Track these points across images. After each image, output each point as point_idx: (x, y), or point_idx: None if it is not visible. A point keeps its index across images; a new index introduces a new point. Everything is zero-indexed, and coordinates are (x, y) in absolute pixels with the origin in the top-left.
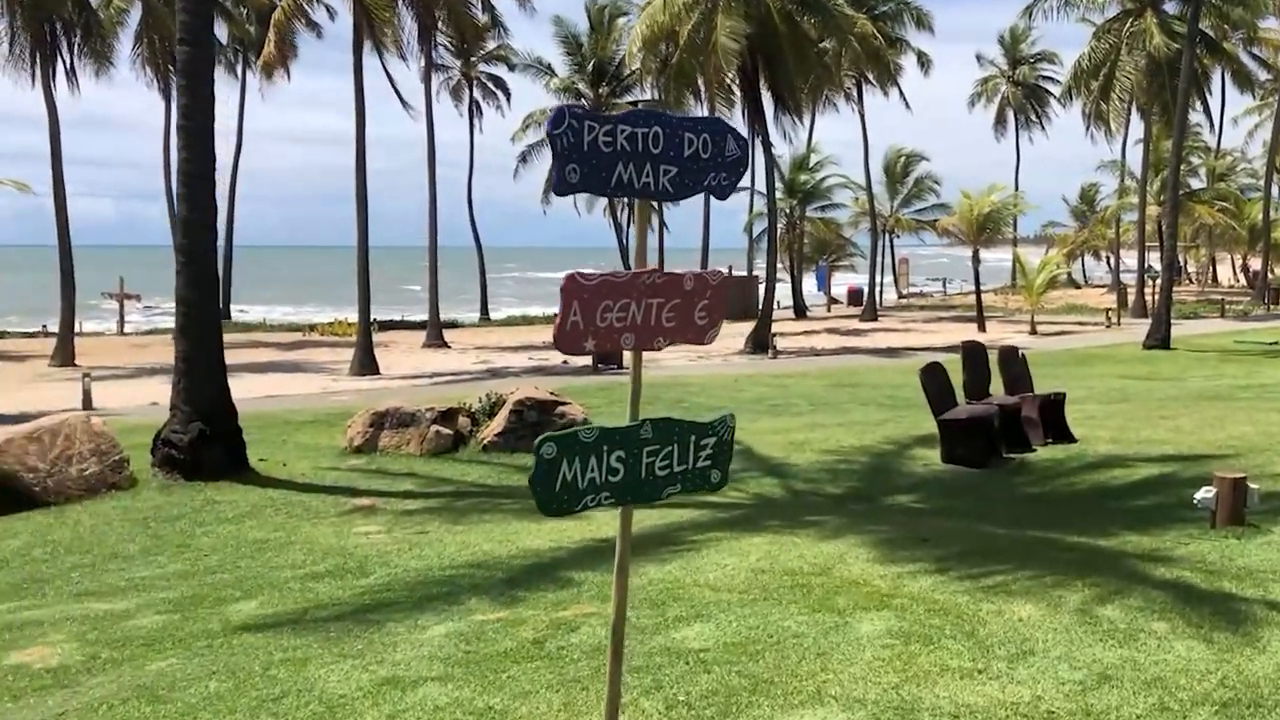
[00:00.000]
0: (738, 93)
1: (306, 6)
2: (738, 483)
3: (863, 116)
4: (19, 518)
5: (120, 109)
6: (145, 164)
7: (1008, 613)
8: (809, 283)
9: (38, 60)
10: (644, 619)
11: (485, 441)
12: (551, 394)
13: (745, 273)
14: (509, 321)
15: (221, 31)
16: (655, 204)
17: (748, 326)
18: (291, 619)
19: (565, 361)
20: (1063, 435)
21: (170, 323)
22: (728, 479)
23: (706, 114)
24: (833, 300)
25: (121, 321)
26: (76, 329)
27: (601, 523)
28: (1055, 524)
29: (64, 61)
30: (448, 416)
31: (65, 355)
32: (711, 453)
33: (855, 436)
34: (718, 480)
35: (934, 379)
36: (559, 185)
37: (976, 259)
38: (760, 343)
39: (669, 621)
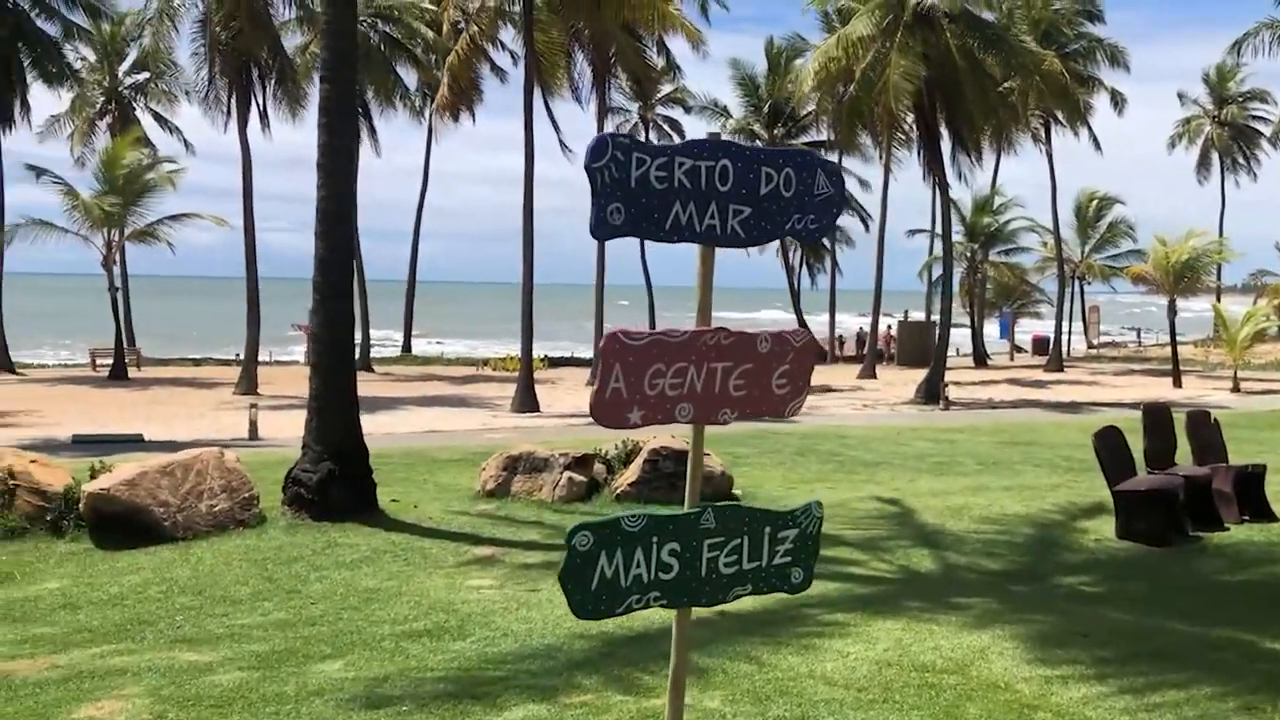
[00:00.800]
0: (913, 132)
1: (487, 49)
2: (884, 552)
3: (1050, 157)
4: (146, 552)
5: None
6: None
7: None
8: (991, 329)
9: (234, 102)
10: (740, 714)
11: (618, 491)
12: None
13: (923, 318)
14: None
15: (411, 78)
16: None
17: (922, 374)
18: (370, 686)
19: None
20: (1262, 513)
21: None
22: (812, 579)
23: (882, 156)
24: (1016, 349)
25: (308, 352)
26: (265, 358)
27: None
28: (1250, 622)
29: (258, 104)
30: (582, 463)
31: (249, 384)
32: (793, 548)
33: (1022, 503)
34: (800, 581)
35: (1108, 444)
36: (597, 227)
37: (1172, 309)
38: (932, 392)
39: None
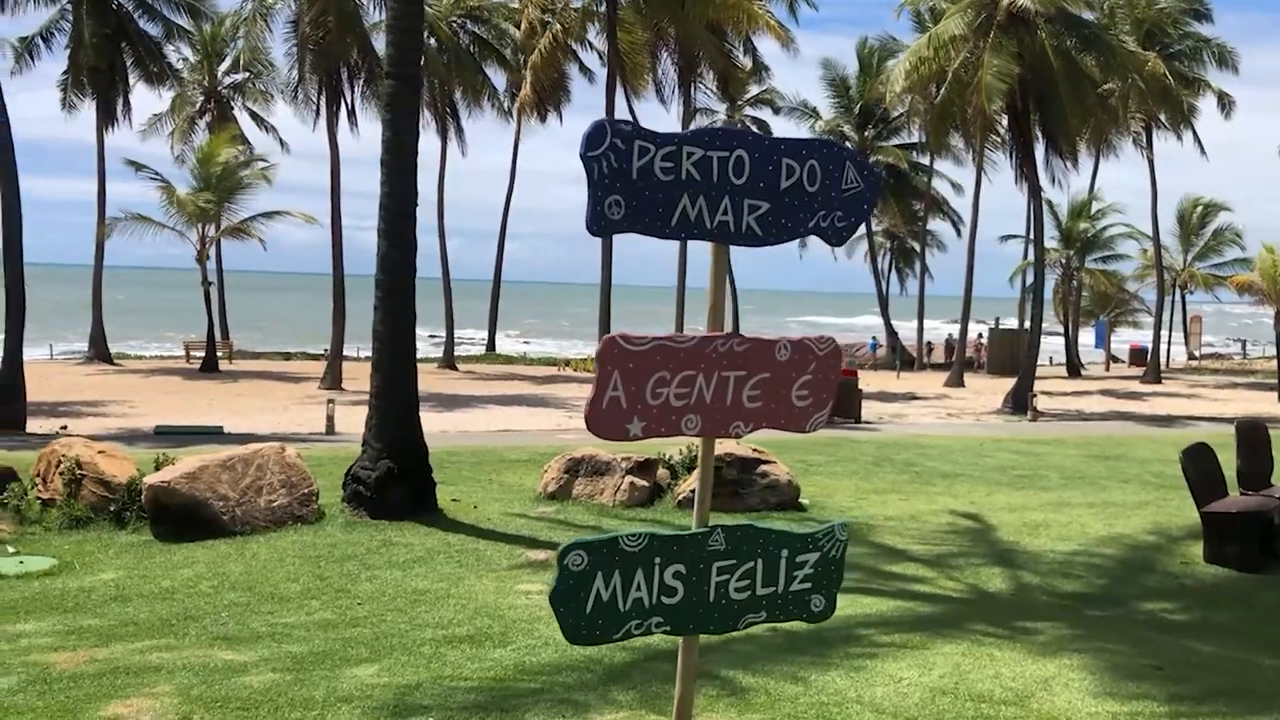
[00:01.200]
0: (1005, 134)
1: (574, 49)
2: (952, 569)
3: (1151, 162)
4: (203, 545)
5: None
6: (422, 201)
7: None
8: (1087, 339)
9: (323, 101)
10: None
11: (681, 497)
12: (755, 450)
13: (1015, 325)
14: None
15: (499, 79)
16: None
17: (1011, 384)
18: (400, 694)
19: None
20: None
21: (438, 351)
22: (834, 607)
23: (974, 159)
24: (1112, 359)
25: None
26: (352, 353)
27: None
28: None
29: (346, 103)
30: (644, 468)
31: (334, 378)
32: (813, 573)
33: (1105, 521)
34: (821, 609)
35: (1196, 462)
36: (594, 221)
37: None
38: (1019, 402)
39: None
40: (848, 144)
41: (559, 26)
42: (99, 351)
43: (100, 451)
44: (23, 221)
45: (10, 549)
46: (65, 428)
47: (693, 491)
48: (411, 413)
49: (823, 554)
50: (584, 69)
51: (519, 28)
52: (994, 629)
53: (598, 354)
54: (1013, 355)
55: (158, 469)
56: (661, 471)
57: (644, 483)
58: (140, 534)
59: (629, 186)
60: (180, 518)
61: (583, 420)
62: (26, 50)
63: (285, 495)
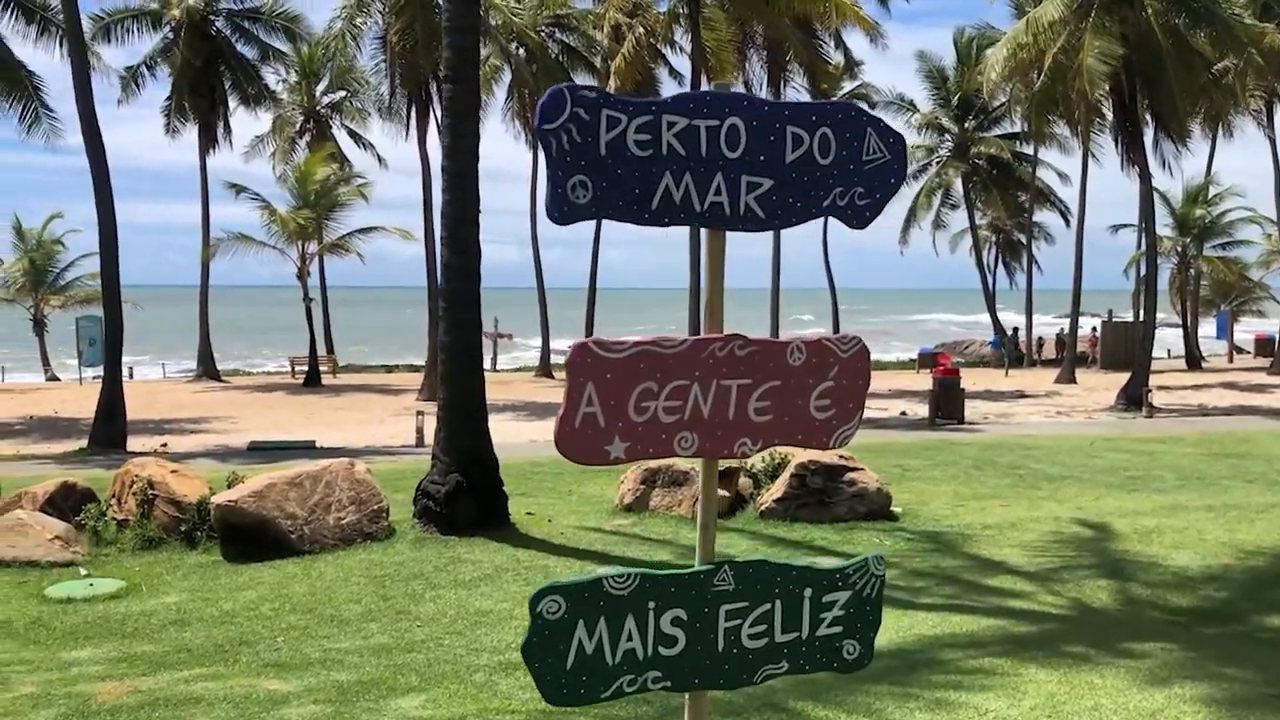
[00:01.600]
0: (1111, 119)
1: (662, 51)
2: (1053, 582)
3: (1274, 142)
4: (271, 565)
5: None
6: (515, 211)
7: None
8: (1208, 329)
9: (413, 115)
10: None
11: (763, 508)
12: (842, 456)
13: (1130, 318)
14: None
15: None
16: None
17: (1125, 379)
18: None
19: (903, 413)
20: None
21: (533, 360)
22: (871, 654)
23: (1080, 146)
24: (1236, 350)
25: (494, 358)
26: None
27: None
28: None
29: (435, 116)
30: (725, 476)
31: (431, 389)
32: (844, 615)
33: (1226, 527)
34: (855, 656)
35: None
36: (555, 207)
37: None
38: (1134, 398)
39: None
40: (947, 136)
41: (642, 29)
42: (207, 369)
43: (173, 471)
44: (118, 249)
45: (83, 571)
46: (165, 445)
47: (775, 501)
48: (480, 424)
49: (855, 592)
50: (673, 71)
51: (604, 33)
52: (1096, 651)
53: (567, 363)
54: (1127, 349)
55: (230, 487)
56: (744, 480)
57: (724, 492)
58: (210, 554)
59: (596, 164)
60: (248, 537)
61: None
62: (133, 79)
63: (354, 512)
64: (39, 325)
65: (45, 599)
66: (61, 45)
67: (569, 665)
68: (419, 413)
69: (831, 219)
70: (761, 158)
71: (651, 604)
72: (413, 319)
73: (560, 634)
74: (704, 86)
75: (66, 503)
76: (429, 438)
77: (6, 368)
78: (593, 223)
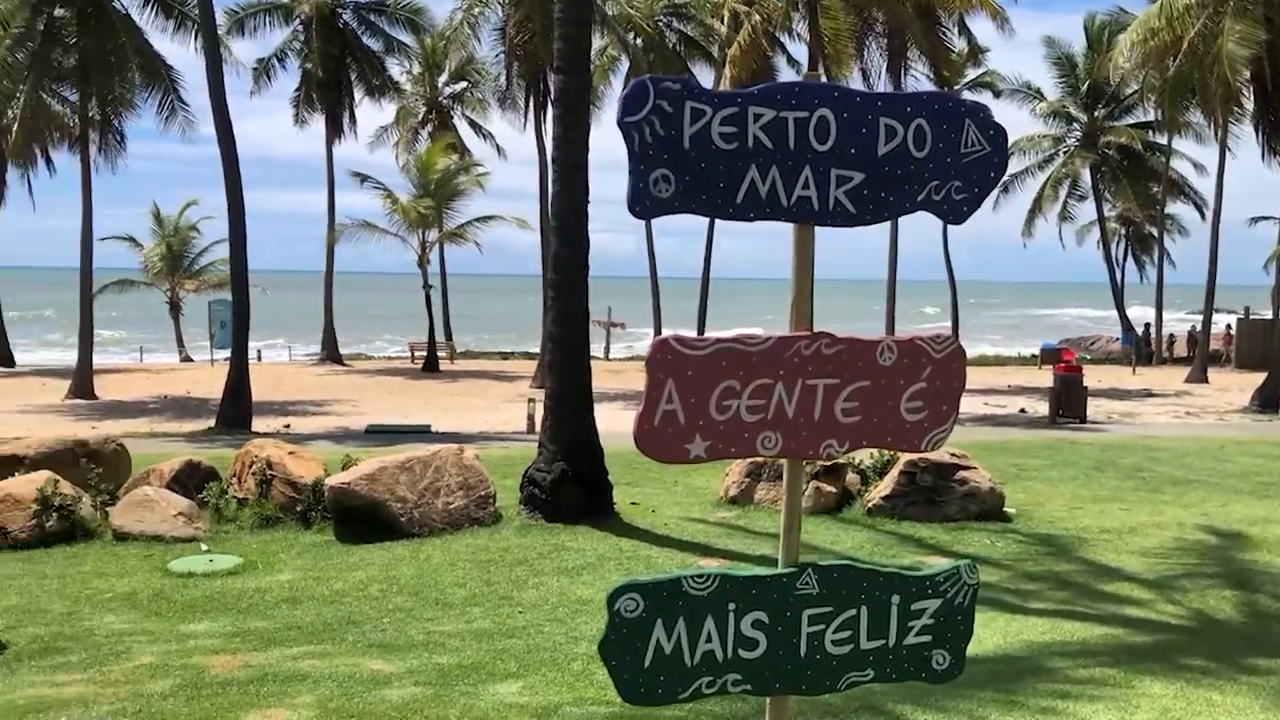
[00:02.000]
0: (1250, 107)
1: (780, 39)
2: (1173, 591)
3: None
4: (381, 547)
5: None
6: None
7: None
8: None
9: (531, 105)
10: None
11: (870, 504)
12: (953, 454)
13: (1268, 315)
14: (981, 361)
15: (707, 78)
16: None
17: (1260, 378)
18: (538, 716)
19: (1023, 410)
20: None
21: (645, 350)
22: (963, 665)
23: (1217, 135)
24: None
25: (607, 347)
26: None
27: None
28: None
29: (553, 106)
30: (832, 472)
31: (544, 377)
32: (934, 624)
33: None
34: (945, 666)
35: None
36: (636, 201)
37: None
38: (1269, 399)
39: None
40: (1075, 125)
41: (759, 17)
42: (330, 353)
43: (290, 452)
44: (246, 236)
45: (204, 547)
46: (288, 426)
47: (884, 498)
48: (586, 414)
49: (946, 600)
50: (791, 60)
51: (722, 22)
52: (1216, 665)
53: (647, 360)
54: (1264, 348)
55: (344, 469)
56: (851, 476)
57: (831, 488)
58: (324, 534)
59: (679, 158)
60: (360, 519)
61: None
62: (264, 71)
63: (462, 497)
64: (174, 308)
65: (168, 572)
66: (197, 39)
67: (646, 664)
68: (530, 400)
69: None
70: (852, 150)
71: (732, 605)
72: (529, 307)
73: (638, 633)
74: (821, 75)
75: (191, 480)
76: (540, 425)
77: (145, 348)
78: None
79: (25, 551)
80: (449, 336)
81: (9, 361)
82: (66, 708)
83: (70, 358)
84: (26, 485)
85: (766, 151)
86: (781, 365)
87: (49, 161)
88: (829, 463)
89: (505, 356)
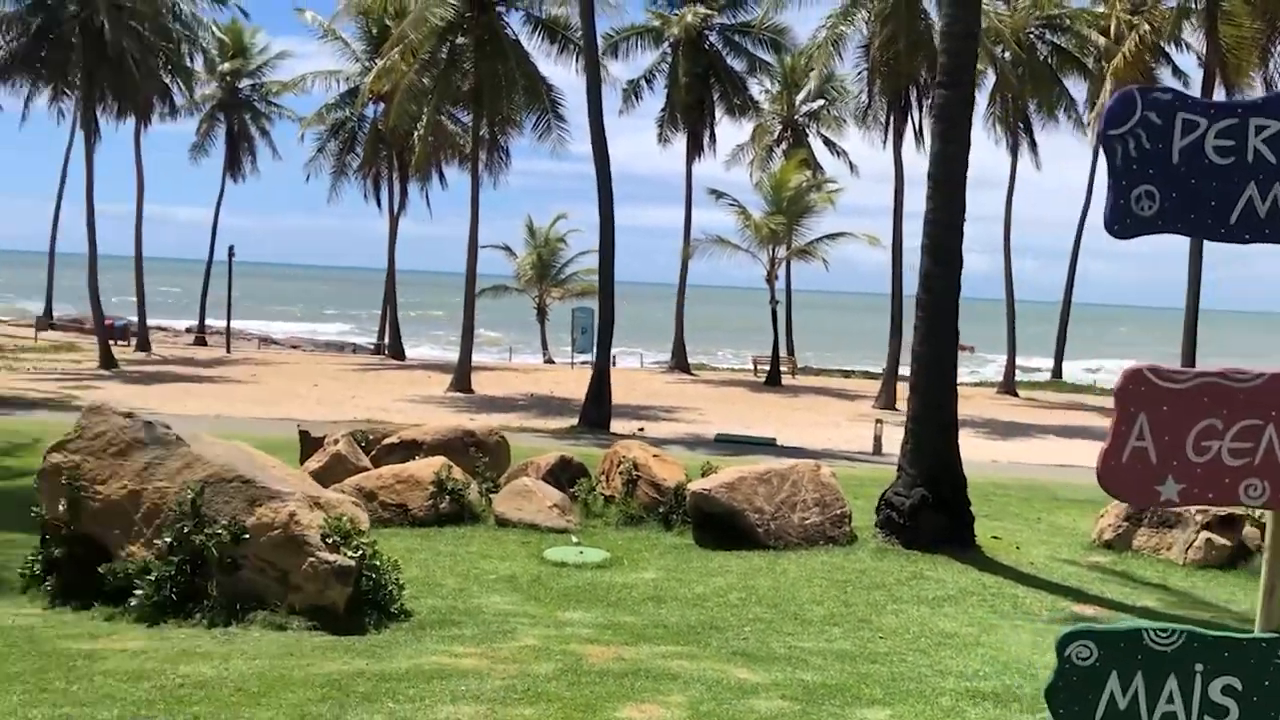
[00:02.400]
0: None
1: (1166, 50)
2: None
3: None
4: (737, 555)
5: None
6: (989, 217)
7: None
8: None
9: (891, 121)
10: None
11: None
12: None
13: None
14: None
15: (1079, 90)
16: None
17: None
18: None
19: None
20: None
21: (992, 375)
22: None
23: None
24: None
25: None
26: (909, 374)
27: None
28: None
29: (913, 123)
30: (1226, 523)
31: (888, 397)
32: None
33: None
34: None
35: None
36: (1116, 219)
37: None
38: None
39: None
40: None
41: (1147, 27)
42: (679, 362)
43: (655, 455)
44: (614, 249)
45: (574, 539)
46: (642, 429)
47: None
48: (950, 439)
49: None
50: (1177, 71)
51: (1105, 34)
52: None
53: (1116, 391)
54: None
55: (704, 476)
56: (1249, 530)
57: (1225, 541)
58: (683, 537)
59: (1167, 173)
60: (718, 525)
61: None
62: (633, 92)
63: (818, 514)
64: (541, 313)
65: (543, 560)
66: (577, 61)
67: (1097, 717)
68: (878, 421)
69: None
70: None
71: (1199, 666)
72: (875, 325)
73: (1091, 683)
74: (1217, 87)
75: (563, 475)
76: (886, 447)
77: (514, 349)
78: (1072, 232)
79: (422, 529)
80: (791, 352)
81: (400, 355)
82: (464, 678)
83: (450, 354)
84: (425, 469)
85: (1270, 167)
86: (1275, 406)
87: (442, 176)
88: (1237, 509)
89: (847, 374)
